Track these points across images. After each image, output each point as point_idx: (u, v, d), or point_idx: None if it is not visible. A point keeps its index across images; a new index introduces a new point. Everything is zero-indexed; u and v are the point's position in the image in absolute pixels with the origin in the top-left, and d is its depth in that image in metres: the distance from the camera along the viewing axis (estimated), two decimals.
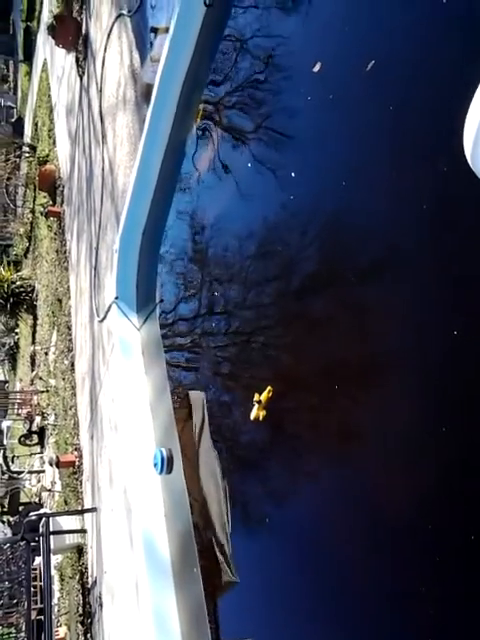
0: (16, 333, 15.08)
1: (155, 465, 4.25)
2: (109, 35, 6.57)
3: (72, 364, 8.38)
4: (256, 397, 3.31)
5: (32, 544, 7.06)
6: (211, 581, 3.88)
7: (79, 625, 6.88)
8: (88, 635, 6.58)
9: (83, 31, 8.01)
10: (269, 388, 3.27)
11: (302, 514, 3.19)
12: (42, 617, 6.89)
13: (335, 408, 2.89)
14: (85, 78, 7.93)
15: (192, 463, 4.32)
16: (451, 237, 2.31)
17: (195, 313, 4.60)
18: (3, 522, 11.01)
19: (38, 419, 10.73)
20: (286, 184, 3.31)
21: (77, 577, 7.20)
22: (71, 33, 8.18)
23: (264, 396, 3.28)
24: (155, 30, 5.71)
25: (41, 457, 10.81)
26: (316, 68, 3.00)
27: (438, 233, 2.38)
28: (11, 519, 10.77)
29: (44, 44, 13.10)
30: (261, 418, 3.29)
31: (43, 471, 10.60)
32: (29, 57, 17.05)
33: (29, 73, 17.05)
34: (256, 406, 3.31)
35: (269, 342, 3.66)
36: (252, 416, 3.33)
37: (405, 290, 2.52)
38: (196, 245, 4.68)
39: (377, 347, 2.71)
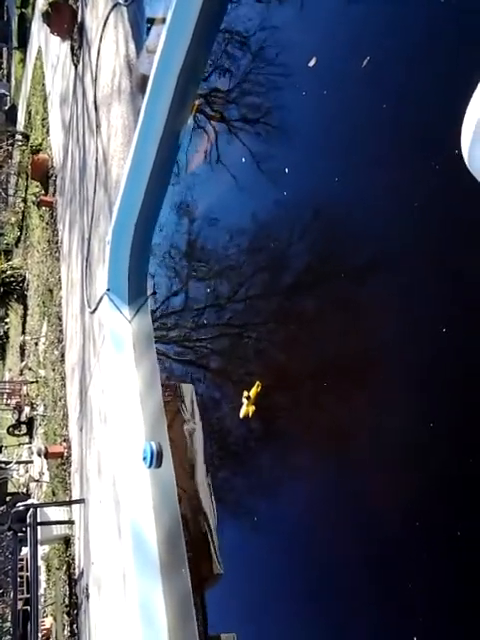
0: (6, 323, 15.02)
1: (144, 459, 4.26)
2: (105, 24, 6.52)
3: (62, 355, 8.36)
4: (245, 394, 3.30)
5: (19, 534, 7.06)
6: (198, 573, 3.90)
7: (65, 616, 6.89)
8: (74, 626, 6.59)
9: (79, 19, 7.95)
10: (257, 383, 3.27)
11: (290, 508, 3.21)
12: (28, 607, 6.89)
13: (325, 404, 2.90)
14: (80, 67, 7.87)
15: (181, 456, 4.32)
16: (443, 234, 2.32)
17: (186, 306, 4.60)
18: None
19: (27, 409, 10.71)
20: (279, 180, 3.31)
21: (64, 568, 7.20)
22: (66, 21, 8.10)
23: (253, 391, 3.28)
24: (151, 21, 5.68)
25: (29, 447, 10.79)
26: (311, 63, 2.99)
27: (430, 230, 2.39)
28: None
29: (39, 31, 12.98)
30: (251, 415, 3.29)
31: (31, 462, 10.58)
32: (23, 44, 16.90)
33: (23, 60, 16.90)
34: (245, 403, 3.30)
35: (260, 337, 3.67)
36: (242, 414, 3.33)
37: (396, 286, 2.53)
38: (189, 238, 4.67)
39: (368, 343, 2.71)
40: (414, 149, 2.47)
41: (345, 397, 2.81)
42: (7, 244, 15.45)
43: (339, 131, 2.93)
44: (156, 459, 4.20)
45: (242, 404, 3.32)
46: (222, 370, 4.17)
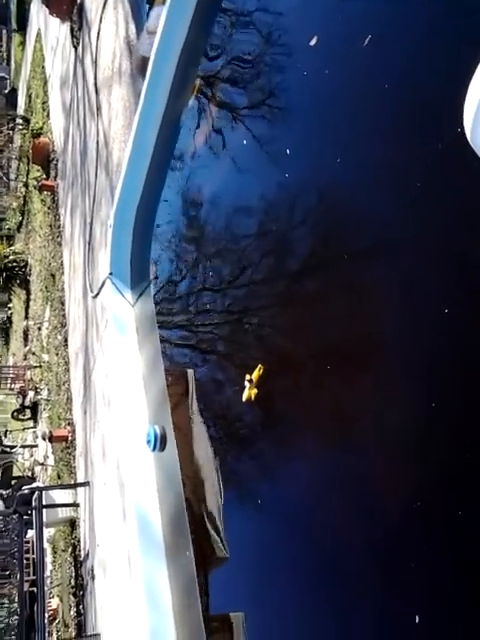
0: (9, 308, 15.04)
1: (148, 442, 4.28)
2: (105, 5, 6.44)
3: (65, 339, 8.37)
4: (247, 377, 3.30)
5: (25, 517, 7.13)
6: (203, 555, 3.93)
7: (71, 597, 6.97)
8: (80, 607, 6.67)
9: (78, 0, 7.85)
10: (260, 366, 3.27)
11: (293, 491, 3.22)
12: (35, 589, 6.98)
13: (328, 387, 2.90)
14: (80, 49, 7.79)
15: (185, 439, 4.34)
16: (446, 215, 2.30)
17: (189, 290, 4.59)
18: None
19: (31, 394, 10.75)
20: (281, 161, 3.28)
21: (70, 550, 7.27)
22: (66, 2, 8.01)
23: (255, 374, 3.28)
24: (152, 1, 5.60)
25: (34, 432, 10.85)
26: (313, 42, 2.95)
27: (433, 210, 2.37)
28: (4, 493, 10.84)
29: (38, 13, 12.83)
30: (253, 398, 3.30)
31: (36, 445, 10.65)
32: (23, 27, 16.73)
33: (23, 43, 16.73)
34: (247, 386, 3.31)
35: (263, 320, 3.66)
36: (244, 397, 3.33)
37: (399, 268, 2.52)
38: (191, 222, 4.65)
39: (371, 326, 2.71)
40: (416, 128, 2.45)
41: (348, 380, 2.82)
42: (9, 229, 15.41)
43: (340, 111, 2.90)
44: (160, 443, 4.22)
45: (244, 387, 3.33)
46: (225, 354, 4.17)
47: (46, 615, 6.89)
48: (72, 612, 6.92)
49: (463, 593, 2.12)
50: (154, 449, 4.26)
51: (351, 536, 2.70)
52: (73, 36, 8.04)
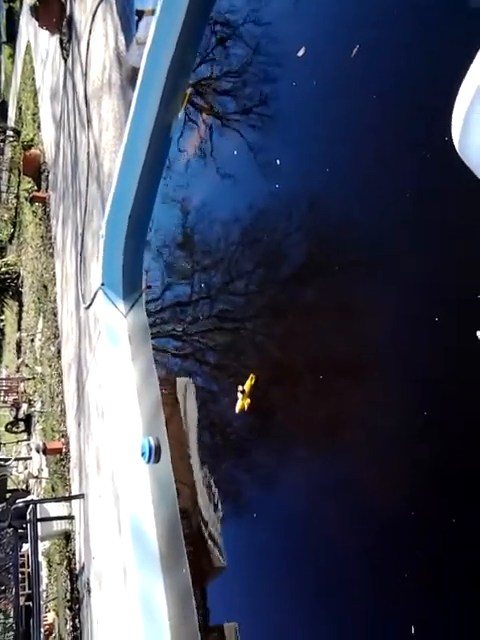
0: (1, 320, 14.98)
1: (143, 454, 4.26)
2: (94, 17, 6.47)
3: (58, 351, 8.34)
4: (239, 388, 3.30)
5: (20, 531, 7.07)
6: (199, 566, 3.91)
7: (67, 610, 6.91)
8: (76, 620, 6.62)
9: (67, 12, 7.88)
10: (252, 375, 3.26)
11: (288, 500, 3.21)
12: (30, 603, 6.91)
13: (320, 397, 2.90)
14: (70, 61, 7.81)
15: (180, 449, 4.33)
16: (436, 224, 2.31)
17: (182, 300, 4.59)
18: None
19: (25, 406, 10.70)
20: (271, 171, 3.29)
21: (65, 563, 7.22)
22: (55, 14, 8.04)
23: (247, 385, 3.27)
24: (140, 12, 5.63)
25: (28, 444, 10.78)
26: (300, 53, 2.97)
27: (422, 220, 2.38)
28: None
29: (27, 25, 12.87)
30: (246, 407, 3.29)
31: (30, 458, 10.58)
32: (12, 39, 16.77)
33: (12, 55, 16.77)
34: (240, 397, 3.30)
35: (255, 330, 3.66)
36: (237, 408, 3.32)
37: (390, 278, 2.52)
38: (182, 231, 4.65)
39: (363, 335, 2.71)
40: (404, 138, 2.46)
41: (341, 389, 2.81)
42: (0, 241, 15.38)
43: (329, 121, 2.91)
44: (154, 454, 4.21)
45: (237, 399, 3.32)
46: (218, 363, 4.17)
47: (42, 630, 6.82)
48: (68, 626, 6.86)
49: (459, 603, 2.11)
50: (149, 461, 4.24)
51: (346, 545, 2.69)
52: (63, 48, 8.07)
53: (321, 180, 2.91)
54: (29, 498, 8.37)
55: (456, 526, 2.09)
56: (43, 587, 7.96)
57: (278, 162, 3.21)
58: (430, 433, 2.27)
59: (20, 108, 13.21)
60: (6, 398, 11.79)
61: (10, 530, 7.15)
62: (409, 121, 2.44)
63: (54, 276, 8.83)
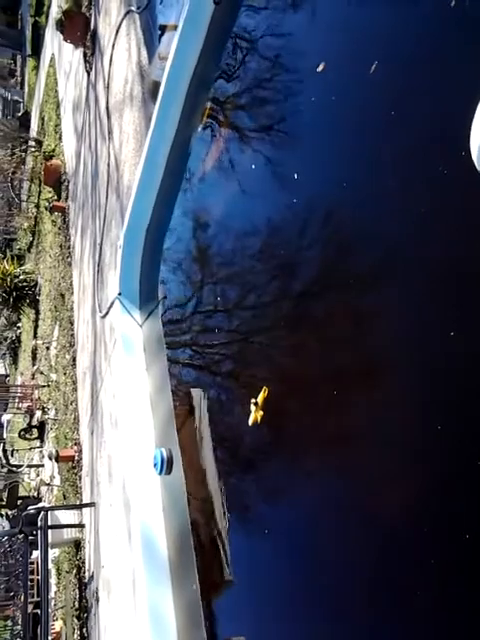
0: (18, 327, 15.11)
1: (155, 465, 4.27)
2: (117, 31, 6.58)
3: (74, 359, 8.40)
4: (252, 401, 3.30)
5: (30, 538, 7.09)
6: (208, 579, 3.90)
7: (75, 619, 6.90)
8: (84, 630, 6.60)
9: (91, 27, 8.03)
10: (265, 388, 3.27)
11: (299, 515, 3.20)
12: (38, 611, 6.91)
13: (333, 412, 2.89)
14: (93, 74, 7.94)
15: (191, 461, 4.33)
16: (452, 240, 2.31)
17: (197, 311, 4.61)
18: (1, 515, 11.04)
19: (38, 413, 10.76)
20: (289, 185, 3.32)
21: (74, 572, 7.22)
22: (79, 29, 8.19)
23: (260, 397, 3.27)
24: (163, 27, 5.72)
25: (40, 451, 10.83)
26: (320, 68, 3.00)
27: (438, 236, 2.39)
28: (9, 512, 10.80)
29: (52, 39, 13.10)
30: (259, 420, 3.29)
31: (42, 465, 10.62)
32: (37, 52, 17.07)
33: (37, 68, 17.06)
34: (253, 409, 3.30)
35: (269, 342, 3.67)
36: (250, 421, 3.32)
37: (405, 293, 2.53)
38: (199, 243, 4.69)
39: (377, 349, 2.71)
40: (422, 154, 2.47)
41: (354, 403, 2.81)
42: (20, 249, 15.57)
43: (347, 136, 2.94)
44: (166, 466, 4.22)
45: (250, 412, 3.32)
46: (231, 375, 4.18)
47: (50, 638, 6.81)
48: (76, 635, 6.84)
49: (474, 622, 2.08)
50: (161, 472, 4.25)
51: (356, 562, 2.67)
52: (86, 61, 8.21)
53: (338, 195, 2.92)
54: (40, 505, 8.40)
55: (470, 543, 2.07)
56: (51, 595, 7.96)
57: (296, 176, 3.23)
58: (443, 448, 2.26)
59: (43, 119, 13.43)
60: (20, 405, 11.87)
61: (21, 536, 7.17)
62: (426, 137, 2.45)
63: (71, 285, 8.92)
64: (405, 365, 2.50)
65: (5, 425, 14.23)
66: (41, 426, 10.92)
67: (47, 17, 14.80)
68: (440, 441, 2.26)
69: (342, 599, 2.75)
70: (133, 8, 6.22)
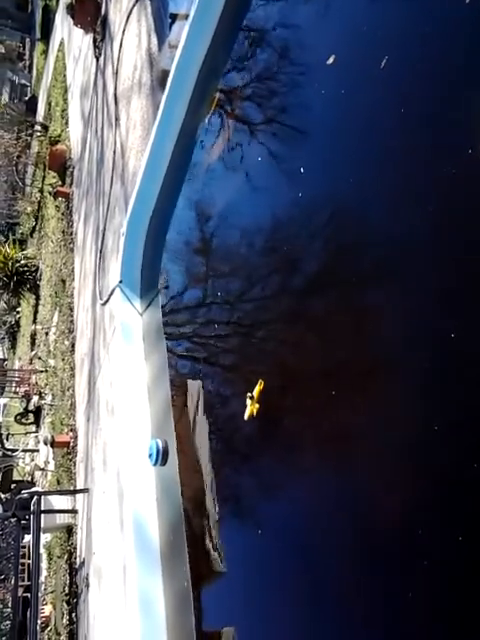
0: (18, 312, 15.11)
1: (150, 456, 4.28)
2: (128, 18, 6.55)
3: (72, 345, 8.40)
4: (248, 395, 3.30)
5: (23, 522, 7.12)
6: (198, 569, 3.91)
7: (65, 604, 6.94)
8: (73, 615, 6.64)
9: (102, 12, 7.98)
10: (260, 381, 3.26)
11: (292, 510, 3.20)
12: (29, 594, 6.95)
13: (331, 409, 2.89)
14: (102, 60, 7.90)
15: (186, 451, 4.33)
16: (459, 240, 2.30)
17: (197, 302, 4.61)
18: None
19: (35, 398, 10.78)
20: (295, 179, 3.30)
21: (65, 557, 7.25)
22: (90, 14, 8.15)
23: (256, 390, 3.27)
24: (174, 16, 5.69)
25: (36, 436, 10.86)
26: (330, 60, 2.98)
27: (445, 236, 2.37)
28: (3, 496, 10.83)
29: (62, 23, 13.03)
30: (255, 413, 3.29)
31: (37, 450, 10.65)
32: (46, 36, 16.99)
33: (45, 52, 16.98)
34: (249, 403, 3.29)
35: (269, 337, 3.66)
36: (246, 415, 3.32)
37: (408, 291, 2.52)
38: (202, 234, 4.67)
39: (377, 347, 2.71)
40: (430, 152, 2.46)
41: (352, 401, 2.81)
42: (22, 234, 15.55)
43: (355, 132, 2.92)
44: (162, 457, 4.22)
45: (246, 406, 3.32)
46: (230, 368, 4.17)
47: (39, 622, 6.85)
48: (65, 620, 6.88)
49: (467, 623, 2.09)
50: (156, 463, 4.26)
51: (349, 556, 2.68)
52: (96, 47, 8.16)
53: (345, 190, 2.91)
54: (34, 489, 8.42)
55: (464, 544, 2.07)
56: (42, 579, 8.00)
57: (302, 170, 3.22)
58: (440, 449, 2.26)
59: (50, 104, 13.37)
60: (18, 389, 11.89)
61: (13, 520, 7.20)
62: (435, 134, 2.44)
63: (72, 271, 8.91)
64: (405, 365, 2.49)
65: (1, 409, 14.26)
66: (37, 411, 10.94)
67: (57, 1, 14.71)
68: (438, 443, 2.26)
69: (333, 593, 2.76)
70: None
